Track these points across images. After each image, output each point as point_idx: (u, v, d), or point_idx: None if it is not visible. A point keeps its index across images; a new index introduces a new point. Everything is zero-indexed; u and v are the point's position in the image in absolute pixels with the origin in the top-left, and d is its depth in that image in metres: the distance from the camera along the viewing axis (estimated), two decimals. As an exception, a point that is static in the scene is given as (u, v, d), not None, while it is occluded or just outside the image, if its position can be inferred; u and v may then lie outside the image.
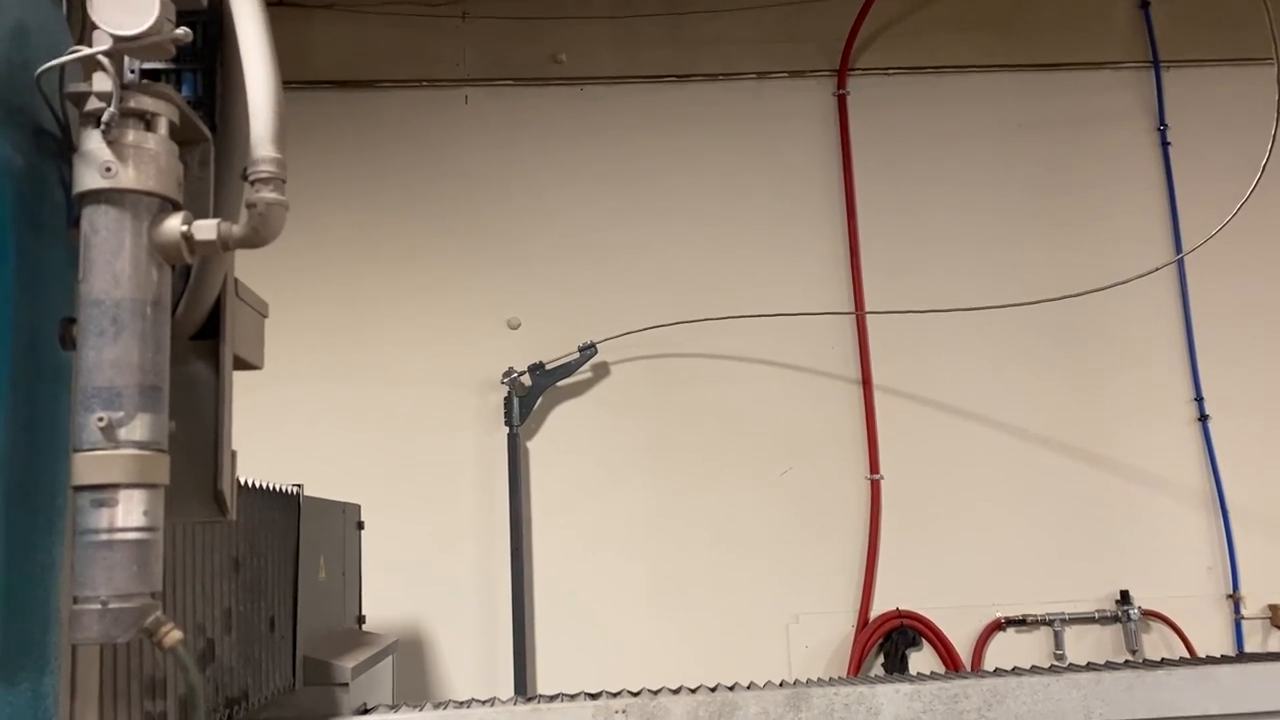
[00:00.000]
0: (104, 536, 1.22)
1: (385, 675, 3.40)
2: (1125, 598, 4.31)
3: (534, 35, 4.70)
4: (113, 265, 1.26)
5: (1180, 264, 4.50)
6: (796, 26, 4.75)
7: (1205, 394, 4.48)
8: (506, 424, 4.42)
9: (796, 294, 4.54)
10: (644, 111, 4.71)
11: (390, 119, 4.65)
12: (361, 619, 3.47)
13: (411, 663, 4.18)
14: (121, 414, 1.24)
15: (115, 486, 1.23)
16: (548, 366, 4.46)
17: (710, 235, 4.62)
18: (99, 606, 1.21)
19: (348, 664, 2.75)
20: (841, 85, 4.74)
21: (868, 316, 4.54)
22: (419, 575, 4.26)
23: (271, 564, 2.55)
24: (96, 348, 1.24)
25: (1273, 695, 2.43)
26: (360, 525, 3.59)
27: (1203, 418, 4.47)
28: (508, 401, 4.43)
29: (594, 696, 2.25)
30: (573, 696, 2.26)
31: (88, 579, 1.22)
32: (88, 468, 1.23)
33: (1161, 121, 4.70)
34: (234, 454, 1.52)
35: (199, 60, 1.49)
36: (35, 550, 1.29)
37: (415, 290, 4.55)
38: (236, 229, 1.33)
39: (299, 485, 2.84)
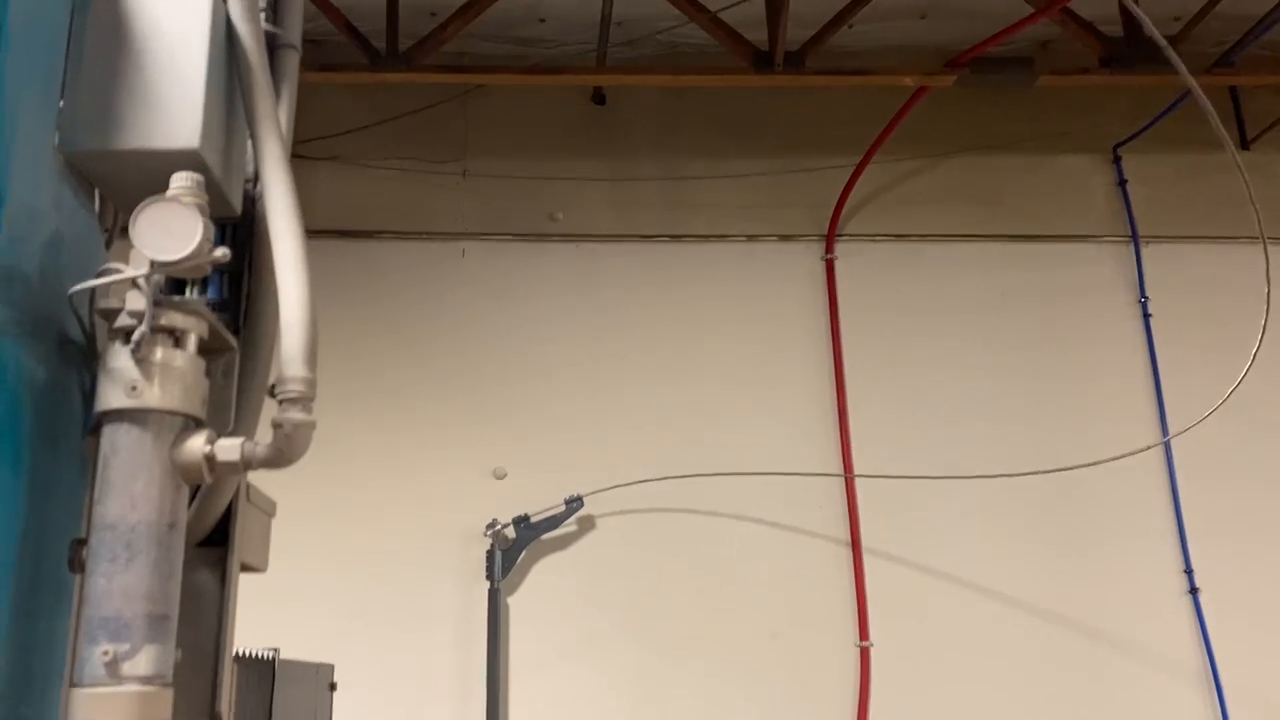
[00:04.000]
0: (98, 781, 1.14)
1: None
2: (1121, 780, 4.18)
3: (531, 193, 4.81)
4: (131, 487, 1.22)
5: (1167, 444, 4.54)
6: (786, 193, 4.88)
7: (1195, 566, 4.45)
8: (488, 578, 4.31)
9: (786, 454, 4.53)
10: (637, 269, 4.78)
11: (388, 268, 4.70)
12: (330, 790, 3.30)
13: (378, 837, 3.95)
14: (127, 646, 1.18)
15: (115, 727, 1.15)
16: (533, 519, 4.38)
17: (700, 393, 4.62)
18: None
19: (318, 847, 2.60)
20: (829, 250, 4.85)
21: (856, 479, 4.53)
22: (391, 738, 4.07)
23: (242, 738, 2.42)
24: (107, 574, 1.19)
25: None
26: (333, 687, 3.44)
27: (1193, 590, 4.43)
28: (490, 555, 4.33)
29: None
30: None
31: (79, 830, 1.13)
32: (88, 708, 1.16)
33: (1142, 294, 4.82)
34: (234, 669, 1.45)
35: (228, 263, 1.49)
36: (21, 789, 1.21)
37: (403, 437, 4.50)
38: (260, 450, 1.29)
39: (275, 650, 2.73)
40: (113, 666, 1.17)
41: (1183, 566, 4.48)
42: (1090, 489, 4.47)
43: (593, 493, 4.39)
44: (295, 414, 1.30)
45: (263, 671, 2.64)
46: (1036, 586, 4.43)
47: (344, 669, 3.36)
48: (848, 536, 4.49)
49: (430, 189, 4.80)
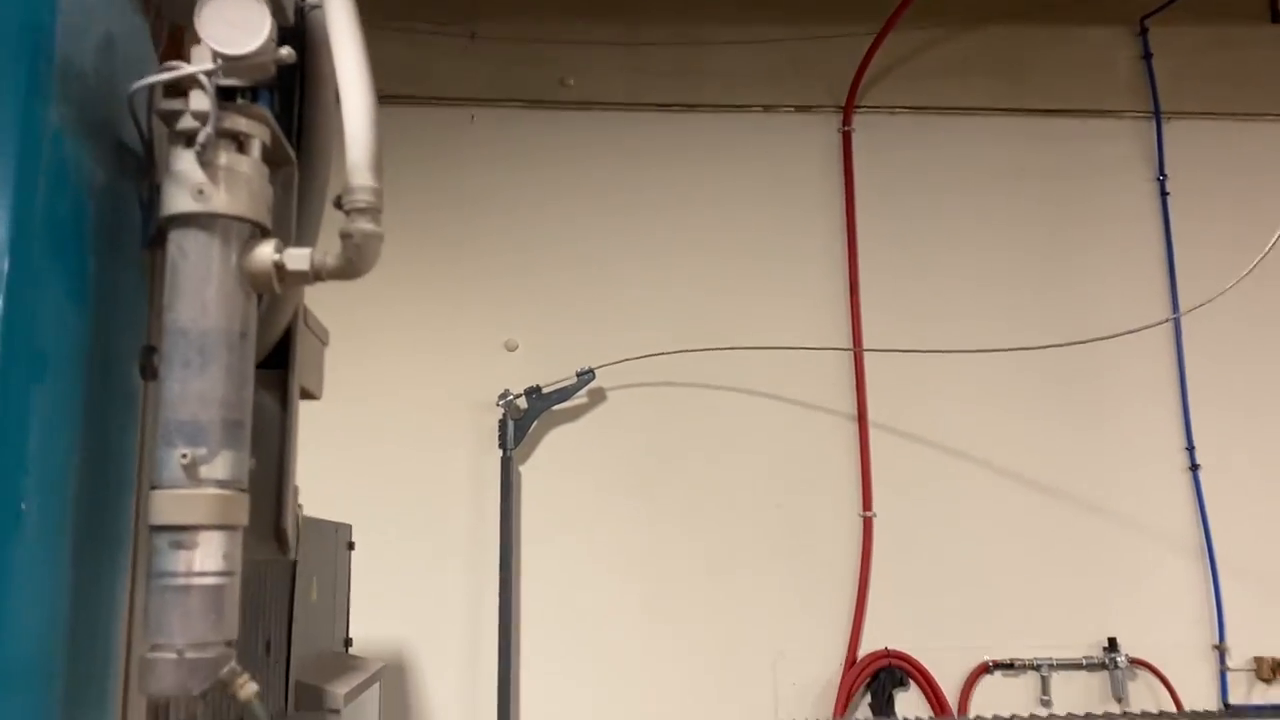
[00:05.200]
0: (181, 581, 1.15)
1: (373, 701, 3.31)
2: (1113, 645, 4.32)
3: (542, 58, 4.67)
4: (202, 293, 1.19)
5: (1177, 321, 4.56)
6: (804, 62, 4.76)
7: (1197, 443, 4.53)
8: (501, 447, 4.35)
9: (796, 328, 4.53)
10: (649, 139, 4.68)
11: (394, 135, 4.57)
12: (349, 642, 3.39)
13: (397, 687, 4.07)
14: (205, 450, 1.17)
15: (196, 528, 1.16)
16: (544, 390, 4.39)
17: (712, 265, 4.59)
18: (175, 656, 1.14)
19: (339, 690, 2.68)
20: (847, 122, 4.76)
21: (865, 354, 4.54)
22: (406, 597, 4.16)
23: (269, 586, 2.47)
24: (182, 379, 1.18)
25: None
26: (351, 546, 3.51)
27: (1194, 467, 4.51)
28: (502, 424, 4.36)
29: None
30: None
31: (163, 626, 1.14)
32: (169, 507, 1.16)
33: (1161, 172, 4.77)
34: (296, 489, 1.45)
35: (279, 78, 1.43)
36: (101, 590, 1.22)
37: (413, 308, 4.47)
38: (330, 259, 1.27)
39: (299, 505, 2.77)
40: (191, 469, 1.16)
41: (1185, 444, 4.55)
42: (1098, 365, 4.50)
43: (604, 365, 4.39)
44: (364, 224, 1.27)
45: (288, 525, 2.68)
46: (1039, 460, 4.50)
47: (361, 532, 3.43)
48: (854, 410, 4.53)
49: (437, 53, 4.65)
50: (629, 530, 4.36)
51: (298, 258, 1.25)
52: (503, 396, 4.36)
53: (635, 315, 4.52)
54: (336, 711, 2.69)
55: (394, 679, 4.07)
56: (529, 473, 4.40)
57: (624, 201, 4.63)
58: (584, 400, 4.48)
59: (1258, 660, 4.33)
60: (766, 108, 4.76)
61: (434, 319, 4.48)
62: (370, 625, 3.61)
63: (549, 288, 4.54)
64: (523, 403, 4.39)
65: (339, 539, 3.40)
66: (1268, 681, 4.30)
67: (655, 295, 4.55)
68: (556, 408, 4.44)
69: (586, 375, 4.41)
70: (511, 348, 4.51)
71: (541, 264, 4.55)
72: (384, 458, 4.29)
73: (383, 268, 4.29)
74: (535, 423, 4.40)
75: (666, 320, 4.51)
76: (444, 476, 4.35)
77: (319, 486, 3.34)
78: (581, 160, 4.65)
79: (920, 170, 4.74)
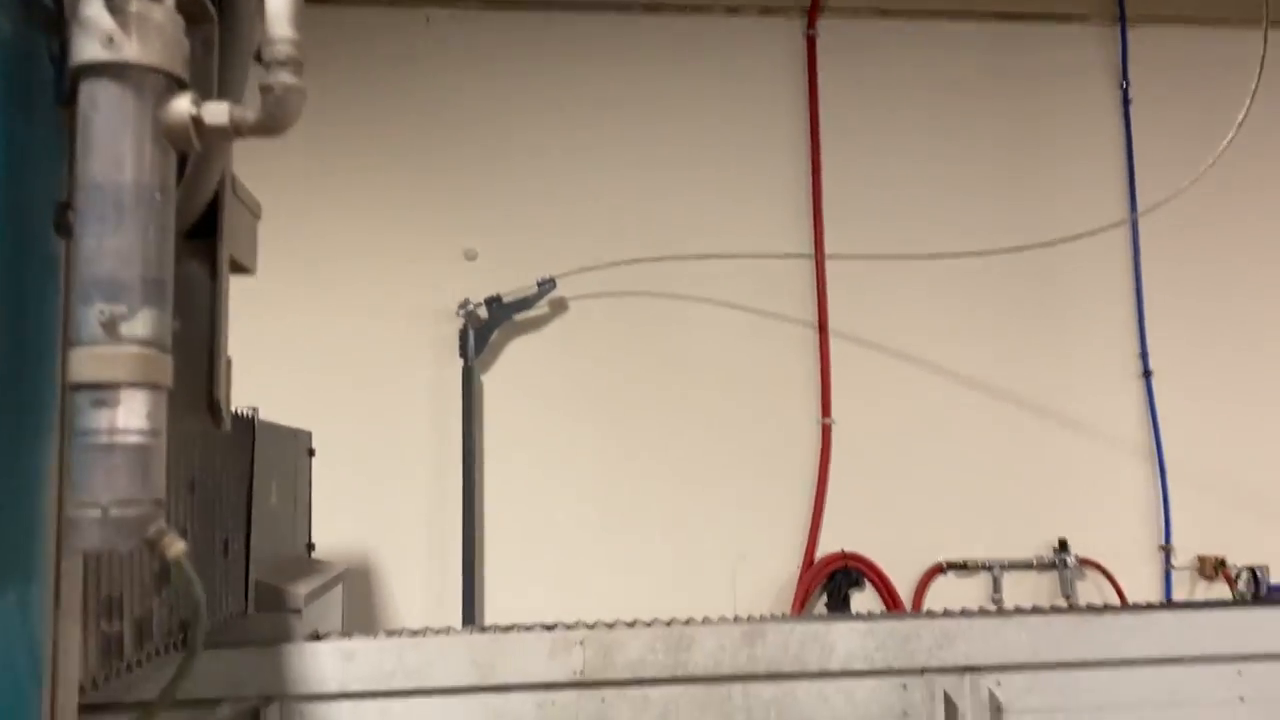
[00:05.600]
0: (104, 439, 1.14)
1: (335, 603, 3.34)
2: (1063, 546, 4.44)
3: (501, -45, 4.54)
4: (115, 146, 1.15)
5: (1134, 222, 4.59)
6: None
7: (1151, 349, 4.59)
8: (461, 356, 4.33)
9: (758, 236, 4.51)
10: (612, 42, 4.59)
11: (349, 36, 4.45)
12: (311, 547, 3.41)
13: (359, 592, 4.11)
14: (124, 308, 1.14)
15: (117, 386, 1.14)
16: (505, 300, 4.37)
17: (674, 173, 4.55)
18: (99, 513, 1.13)
19: (300, 590, 2.70)
20: (811, 25, 4.68)
21: (827, 261, 4.54)
22: (369, 504, 4.18)
23: (225, 487, 2.47)
24: (97, 235, 1.14)
25: (1206, 641, 2.54)
26: (311, 452, 3.51)
27: (1146, 373, 4.59)
28: (463, 334, 4.34)
29: (550, 628, 2.22)
30: (529, 628, 2.23)
31: (87, 484, 1.13)
32: (87, 364, 1.14)
33: (1124, 77, 4.75)
34: (229, 361, 1.44)
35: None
36: (23, 453, 1.21)
37: (369, 216, 4.40)
38: (250, 114, 1.23)
39: (254, 408, 2.75)
40: (110, 326, 1.14)
41: (1139, 350, 4.62)
42: (1056, 270, 4.54)
43: (565, 274, 4.36)
44: (284, 76, 1.23)
45: (243, 426, 2.66)
46: (995, 365, 4.56)
47: (322, 440, 3.42)
48: (815, 318, 4.55)
49: (392, -51, 4.50)
50: (592, 438, 4.38)
51: (215, 111, 1.21)
52: (463, 306, 4.33)
53: (597, 223, 4.48)
54: (298, 611, 2.71)
55: (358, 583, 4.11)
56: (490, 383, 4.40)
57: (585, 106, 4.55)
58: (545, 310, 4.46)
59: (1201, 559, 4.46)
60: (730, 10, 4.66)
61: (392, 226, 4.42)
62: (334, 532, 3.63)
63: (509, 195, 4.48)
64: (483, 312, 4.37)
65: (298, 445, 3.40)
66: (1210, 579, 4.44)
67: (617, 203, 4.51)
68: (518, 317, 4.42)
69: (547, 284, 4.38)
70: (471, 256, 4.46)
71: (501, 171, 4.48)
72: (344, 366, 4.27)
73: (339, 173, 4.22)
74: (496, 332, 4.38)
75: (628, 228, 4.47)
76: (406, 385, 4.34)
77: (279, 395, 3.34)
78: (541, 64, 4.55)
79: (884, 77, 4.69)
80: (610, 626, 2.22)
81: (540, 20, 4.56)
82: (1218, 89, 4.47)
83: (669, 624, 2.26)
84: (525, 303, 4.39)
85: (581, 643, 2.18)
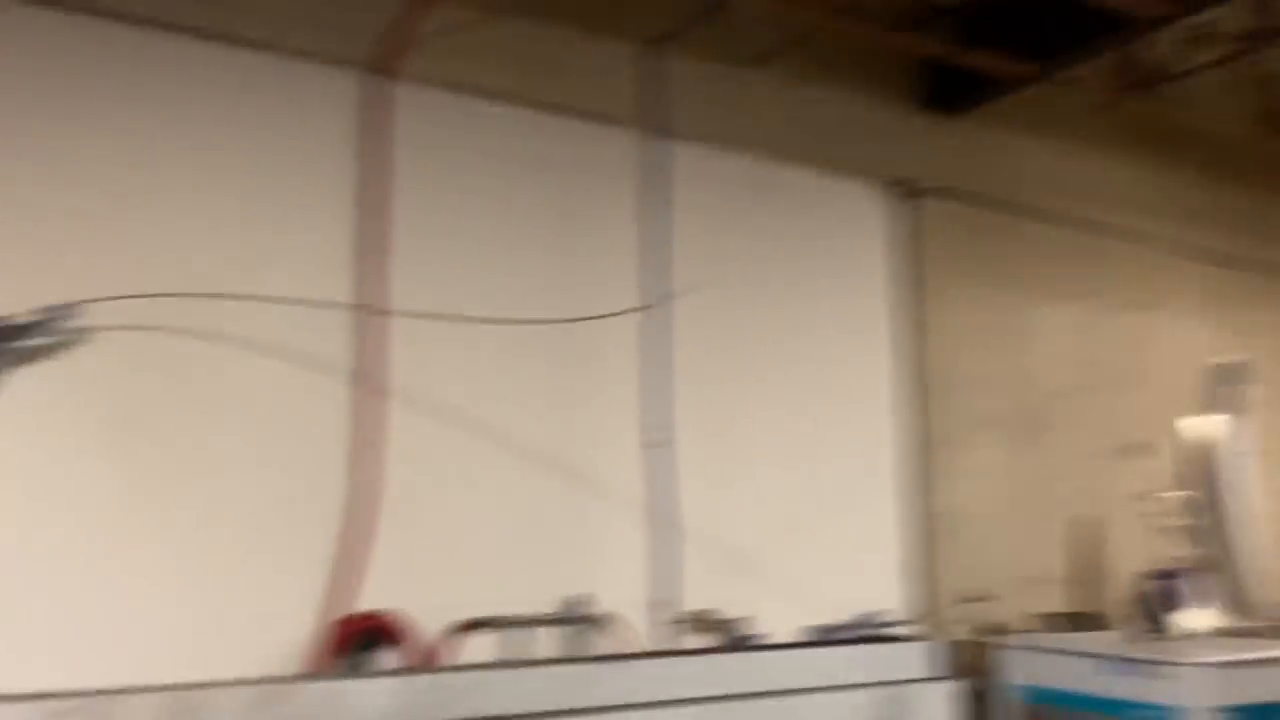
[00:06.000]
0: None
1: None
2: (579, 602, 4.80)
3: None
4: None
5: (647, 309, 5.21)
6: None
7: (655, 423, 5.19)
8: (-59, 387, 3.69)
9: (303, 282, 4.45)
10: (163, 62, 4.30)
11: None
12: None
13: None
14: None
15: None
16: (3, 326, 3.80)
17: (221, 209, 4.36)
18: None
19: None
20: (391, 78, 4.75)
21: (375, 314, 4.57)
22: None
23: None
24: None
25: (694, 681, 2.94)
26: None
27: (657, 443, 5.17)
28: (-59, 359, 3.70)
29: (41, 696, 1.99)
30: (15, 697, 1.98)
31: None
32: None
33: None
34: None
35: None
36: None
37: None
38: None
39: None
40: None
41: (641, 421, 5.21)
42: (589, 343, 5.06)
43: (85, 301, 3.92)
44: None
45: None
46: (532, 433, 4.90)
47: None
48: (354, 369, 4.53)
49: None
50: (101, 486, 3.96)
51: None
52: (-58, 327, 3.71)
53: (130, 251, 4.13)
54: None
55: None
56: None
57: (121, 123, 4.19)
58: (51, 340, 3.96)
59: (694, 614, 5.06)
60: (301, 53, 4.58)
61: None
62: None
63: (20, 210, 3.97)
64: (-29, 337, 3.76)
65: None
66: (705, 631, 5.06)
67: (155, 232, 4.20)
68: (19, 344, 3.87)
69: (57, 312, 3.89)
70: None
71: (10, 182, 3.97)
72: None
73: None
74: (-7, 361, 3.80)
75: (166, 260, 4.18)
76: None
77: None
78: (77, 72, 4.13)
79: (457, 141, 4.91)
80: (111, 693, 2.02)
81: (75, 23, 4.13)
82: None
83: (178, 688, 2.11)
84: (29, 330, 3.86)
85: (75, 712, 1.96)
